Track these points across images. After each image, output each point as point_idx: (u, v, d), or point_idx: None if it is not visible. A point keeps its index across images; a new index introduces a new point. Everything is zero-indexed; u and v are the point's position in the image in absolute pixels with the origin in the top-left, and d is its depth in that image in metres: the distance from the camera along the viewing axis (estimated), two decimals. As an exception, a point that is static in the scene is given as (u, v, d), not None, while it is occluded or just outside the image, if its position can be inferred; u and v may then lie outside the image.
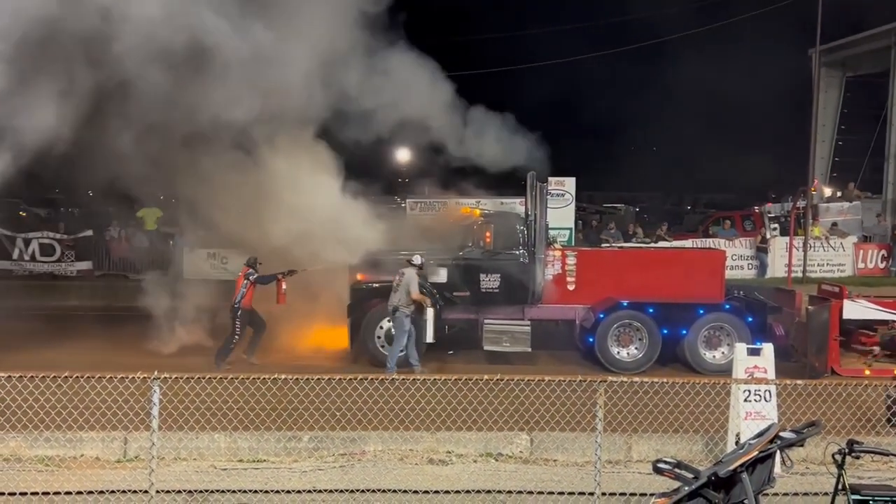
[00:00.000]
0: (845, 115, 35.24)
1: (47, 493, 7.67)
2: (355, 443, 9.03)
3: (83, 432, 8.75)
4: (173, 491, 7.64)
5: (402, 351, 13.09)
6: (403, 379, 7.13)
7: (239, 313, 13.63)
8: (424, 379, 7.45)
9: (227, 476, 8.28)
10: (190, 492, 7.74)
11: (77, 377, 6.98)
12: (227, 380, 7.28)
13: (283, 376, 7.06)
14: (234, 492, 7.66)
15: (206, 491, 7.73)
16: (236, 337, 13.61)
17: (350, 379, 7.40)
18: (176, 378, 7.04)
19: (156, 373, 6.76)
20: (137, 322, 14.89)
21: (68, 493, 7.68)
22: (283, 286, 14.04)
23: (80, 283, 22.69)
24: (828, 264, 24.72)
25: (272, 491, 7.81)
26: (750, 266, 24.55)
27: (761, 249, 24.40)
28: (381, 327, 13.81)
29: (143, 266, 22.83)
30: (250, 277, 13.71)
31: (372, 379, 7.97)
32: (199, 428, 8.67)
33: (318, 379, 7.48)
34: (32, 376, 7.18)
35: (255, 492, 7.66)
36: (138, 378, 6.91)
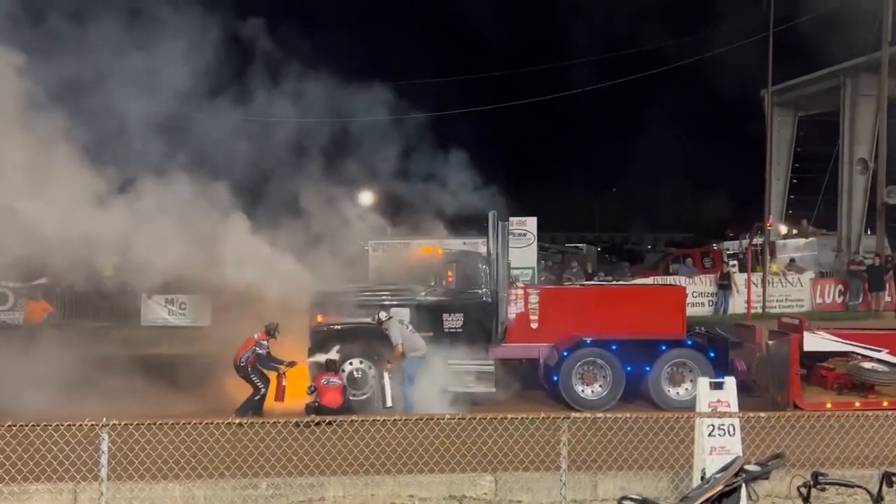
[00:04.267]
0: (799, 153, 36.06)
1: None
2: (315, 489, 8.75)
3: (30, 484, 8.38)
4: (123, 544, 7.34)
5: None
6: (363, 420, 6.93)
7: (249, 370, 12.85)
8: (384, 420, 7.26)
9: (181, 527, 7.98)
10: (141, 544, 7.45)
11: (21, 426, 6.69)
12: (180, 426, 7.02)
13: (237, 421, 6.83)
14: (187, 543, 7.36)
15: (158, 543, 7.43)
16: (263, 389, 12.79)
17: (307, 423, 7.18)
18: (126, 425, 6.78)
19: (104, 419, 6.50)
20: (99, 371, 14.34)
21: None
22: (284, 382, 12.85)
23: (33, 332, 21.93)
24: (786, 300, 25.04)
25: (228, 541, 7.52)
26: (711, 303, 24.76)
27: (723, 286, 24.60)
28: (343, 370, 13.53)
29: (100, 313, 22.41)
30: (258, 350, 12.87)
31: (330, 422, 7.75)
32: (151, 476, 8.36)
33: (275, 422, 7.26)
34: (-27, 427, 6.86)
35: (210, 542, 7.37)
36: (86, 426, 6.63)
